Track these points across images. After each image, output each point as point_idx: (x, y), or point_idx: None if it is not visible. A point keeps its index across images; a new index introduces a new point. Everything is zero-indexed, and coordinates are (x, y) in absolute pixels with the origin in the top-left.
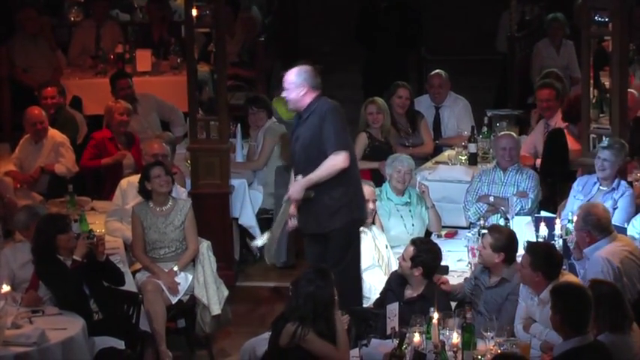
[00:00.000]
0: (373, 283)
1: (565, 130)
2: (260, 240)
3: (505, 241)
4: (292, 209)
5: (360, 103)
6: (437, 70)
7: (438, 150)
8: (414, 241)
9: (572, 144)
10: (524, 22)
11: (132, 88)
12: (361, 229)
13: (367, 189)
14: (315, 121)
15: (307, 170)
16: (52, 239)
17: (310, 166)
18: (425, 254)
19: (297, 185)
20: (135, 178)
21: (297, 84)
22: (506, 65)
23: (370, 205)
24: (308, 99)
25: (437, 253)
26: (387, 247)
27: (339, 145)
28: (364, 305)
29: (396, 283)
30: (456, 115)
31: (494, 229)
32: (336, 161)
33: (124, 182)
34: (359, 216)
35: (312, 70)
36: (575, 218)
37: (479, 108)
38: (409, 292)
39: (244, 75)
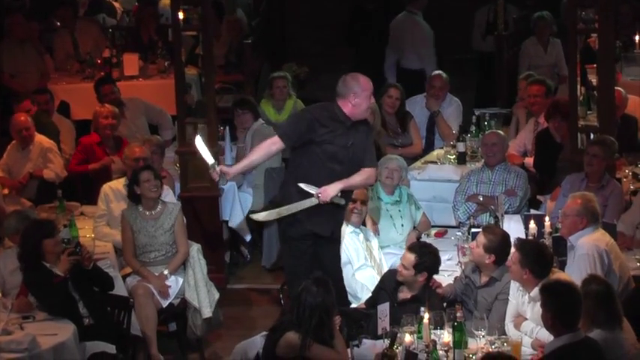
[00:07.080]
0: (365, 283)
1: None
2: (262, 215)
3: (498, 243)
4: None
5: None
6: (438, 71)
7: (427, 150)
8: (412, 249)
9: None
10: (510, 21)
11: (116, 93)
12: (353, 229)
13: (359, 190)
14: (365, 130)
15: (346, 173)
16: (38, 244)
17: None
18: (427, 258)
19: (334, 186)
20: (116, 183)
21: None
22: (482, 64)
23: (362, 207)
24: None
25: (437, 254)
26: (379, 249)
27: (375, 162)
28: (354, 305)
29: (390, 283)
30: (448, 115)
31: (488, 229)
32: (371, 176)
33: (105, 187)
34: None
35: (344, 78)
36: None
37: (465, 107)
38: (403, 294)
39: (231, 79)
